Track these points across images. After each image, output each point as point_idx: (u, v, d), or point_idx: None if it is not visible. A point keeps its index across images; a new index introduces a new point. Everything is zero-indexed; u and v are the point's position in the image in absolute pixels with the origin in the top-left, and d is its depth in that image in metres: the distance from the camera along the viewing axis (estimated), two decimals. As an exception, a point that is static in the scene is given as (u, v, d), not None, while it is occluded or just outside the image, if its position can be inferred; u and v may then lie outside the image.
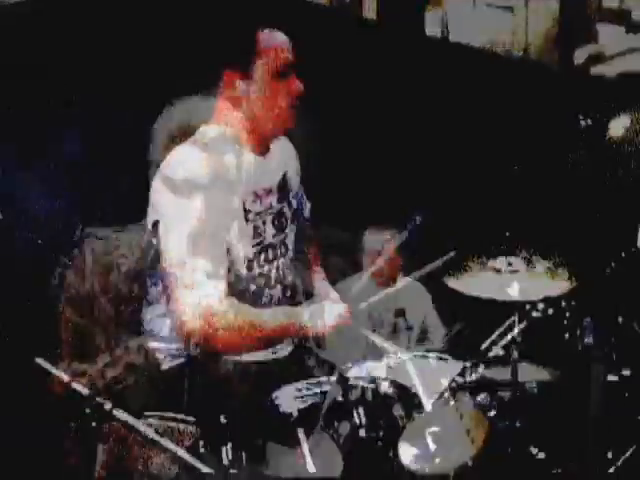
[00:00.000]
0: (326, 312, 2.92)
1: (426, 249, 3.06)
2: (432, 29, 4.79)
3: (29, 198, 3.51)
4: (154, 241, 2.84)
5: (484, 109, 4.33)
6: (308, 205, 3.30)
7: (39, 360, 2.31)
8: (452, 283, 2.95)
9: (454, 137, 4.39)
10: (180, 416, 2.62)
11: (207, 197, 2.78)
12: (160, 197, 2.83)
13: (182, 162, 2.86)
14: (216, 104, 2.93)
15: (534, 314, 2.81)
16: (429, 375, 2.80)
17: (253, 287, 2.97)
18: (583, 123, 3.45)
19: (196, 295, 2.71)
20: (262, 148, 2.98)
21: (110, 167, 3.84)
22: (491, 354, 2.71)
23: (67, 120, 3.80)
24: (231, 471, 2.44)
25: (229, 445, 2.46)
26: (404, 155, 4.40)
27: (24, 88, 3.69)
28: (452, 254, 2.96)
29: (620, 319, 2.99)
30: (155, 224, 2.83)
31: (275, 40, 2.87)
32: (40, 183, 3.68)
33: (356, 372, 2.70)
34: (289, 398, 2.49)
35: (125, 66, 3.89)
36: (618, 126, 3.38)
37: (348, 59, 4.29)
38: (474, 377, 2.68)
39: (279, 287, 3.05)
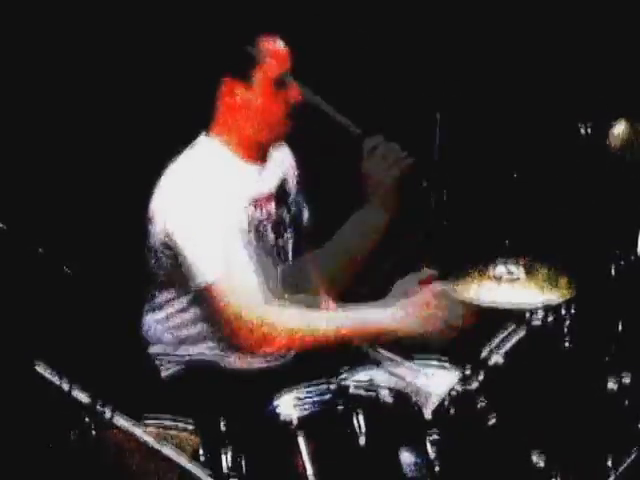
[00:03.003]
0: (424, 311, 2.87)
1: (426, 256, 3.07)
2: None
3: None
4: (162, 251, 2.85)
5: (482, 113, 4.32)
6: (306, 211, 3.30)
7: (39, 367, 2.30)
8: (451, 291, 2.95)
9: (452, 142, 4.38)
10: (180, 423, 2.62)
11: (209, 208, 2.80)
12: (174, 214, 2.85)
13: (183, 174, 2.88)
14: (215, 113, 2.94)
15: (534, 321, 2.81)
16: (429, 383, 2.81)
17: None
18: (583, 129, 3.44)
19: (243, 302, 2.77)
20: (261, 156, 3.00)
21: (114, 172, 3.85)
22: (491, 362, 2.70)
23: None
24: (231, 478, 2.45)
25: (229, 452, 2.47)
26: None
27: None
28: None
29: (620, 326, 2.99)
30: (168, 237, 2.83)
31: (275, 47, 2.88)
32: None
33: (356, 379, 2.70)
34: (289, 405, 2.49)
35: (126, 69, 3.89)
36: (619, 132, 3.38)
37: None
38: (474, 383, 2.68)
39: (278, 292, 3.06)
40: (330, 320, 2.85)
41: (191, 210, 2.82)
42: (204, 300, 2.84)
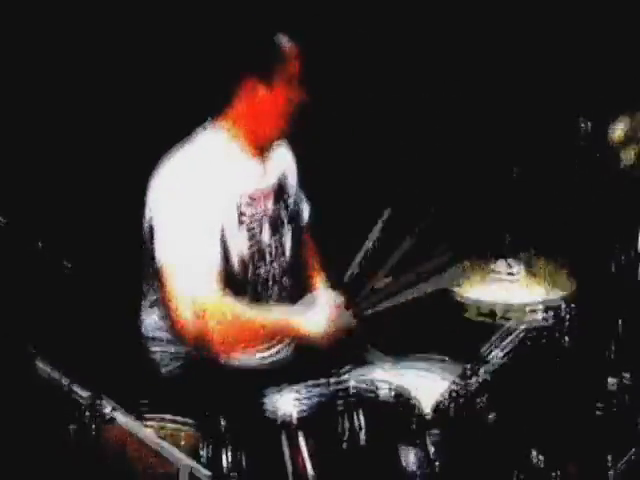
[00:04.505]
0: (322, 314, 2.93)
1: (424, 254, 3.07)
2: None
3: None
4: (150, 242, 2.86)
5: (483, 109, 4.32)
6: (307, 208, 3.31)
7: (39, 363, 2.30)
8: (451, 288, 2.96)
9: (453, 139, 4.38)
10: (180, 419, 2.63)
11: (201, 199, 2.81)
12: (156, 198, 2.86)
13: (179, 165, 2.89)
14: (226, 108, 2.95)
15: (534, 320, 2.81)
16: (428, 379, 2.81)
17: (249, 289, 2.99)
18: (583, 125, 3.44)
19: (190, 292, 2.73)
20: (262, 152, 3.02)
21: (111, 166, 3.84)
22: (491, 360, 2.71)
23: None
24: (231, 475, 2.45)
25: (229, 449, 2.47)
26: (402, 157, 4.40)
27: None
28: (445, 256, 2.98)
29: (620, 323, 3.00)
30: (151, 225, 2.85)
31: (293, 48, 2.91)
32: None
33: (356, 378, 2.70)
34: (289, 403, 2.49)
35: (147, 68, 3.89)
36: (619, 128, 3.38)
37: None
38: (474, 381, 2.68)
39: (276, 289, 3.07)
40: (263, 315, 2.89)
41: (172, 197, 2.83)
42: (159, 282, 2.84)
